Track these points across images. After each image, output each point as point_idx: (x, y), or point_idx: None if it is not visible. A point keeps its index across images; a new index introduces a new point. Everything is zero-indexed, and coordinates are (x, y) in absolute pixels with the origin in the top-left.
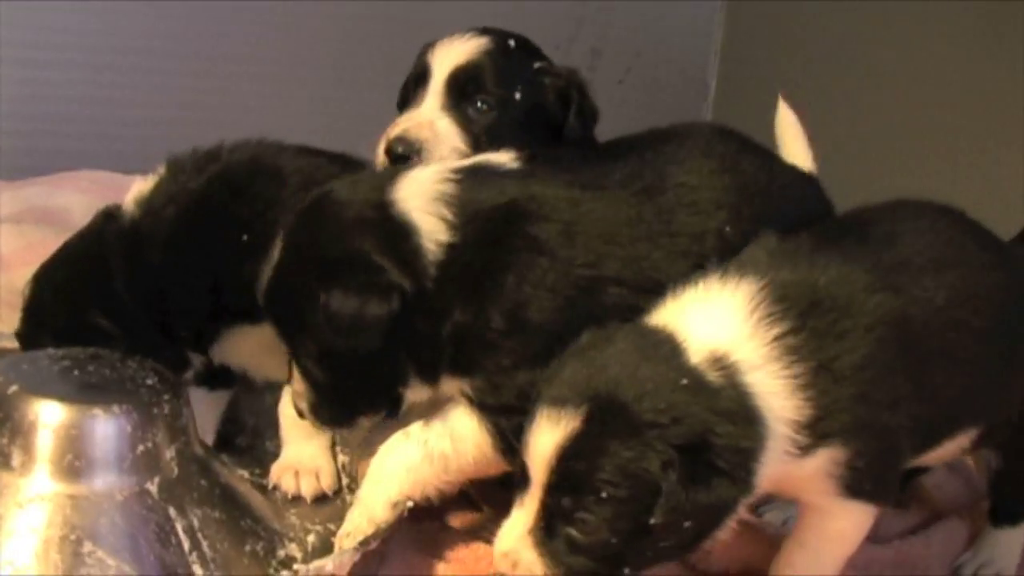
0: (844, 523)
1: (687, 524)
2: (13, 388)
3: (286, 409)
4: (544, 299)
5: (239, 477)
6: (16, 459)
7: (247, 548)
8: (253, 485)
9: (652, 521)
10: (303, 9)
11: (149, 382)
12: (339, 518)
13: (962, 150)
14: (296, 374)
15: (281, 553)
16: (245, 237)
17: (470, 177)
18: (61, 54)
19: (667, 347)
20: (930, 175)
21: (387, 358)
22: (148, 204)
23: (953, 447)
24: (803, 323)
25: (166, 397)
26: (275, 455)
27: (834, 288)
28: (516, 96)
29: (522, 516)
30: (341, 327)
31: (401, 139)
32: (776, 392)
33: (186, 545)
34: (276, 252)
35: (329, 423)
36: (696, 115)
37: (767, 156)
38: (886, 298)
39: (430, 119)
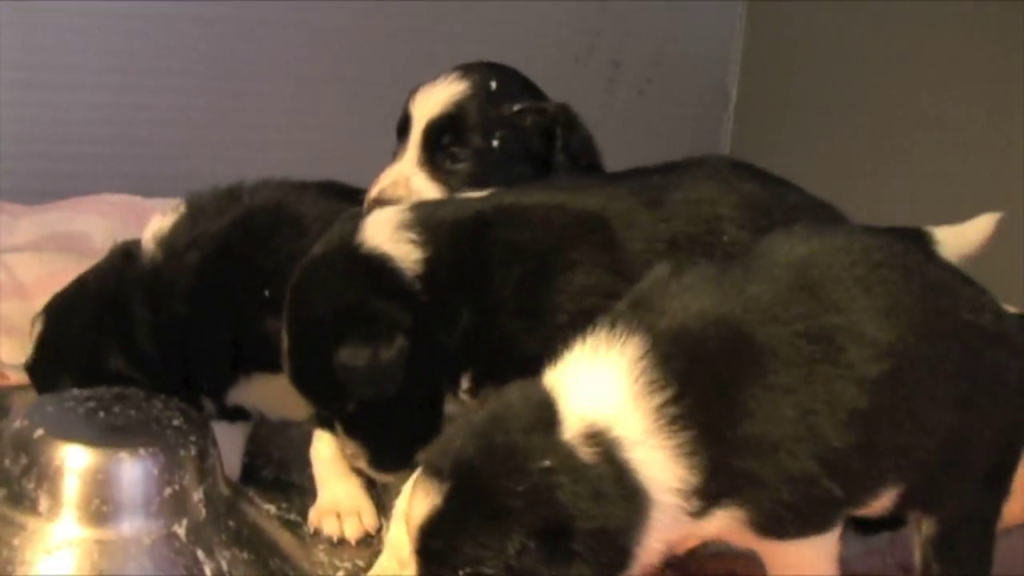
0: (793, 559)
1: None
2: (39, 432)
3: (319, 452)
4: (528, 296)
5: (267, 515)
6: (43, 504)
7: None
8: (280, 521)
9: None
10: (323, 29)
11: (175, 423)
12: (367, 555)
13: (992, 154)
14: (344, 438)
15: None
16: (267, 292)
17: (425, 204)
18: (77, 76)
19: (543, 417)
20: (955, 179)
21: (418, 387)
22: (169, 246)
23: (880, 504)
24: (685, 388)
25: (193, 438)
26: (302, 488)
27: (711, 337)
28: (494, 144)
29: None
30: (362, 380)
31: (378, 200)
32: (659, 463)
33: None
34: (283, 338)
35: (394, 468)
36: (717, 124)
37: (776, 184)
38: (764, 335)
39: (407, 176)
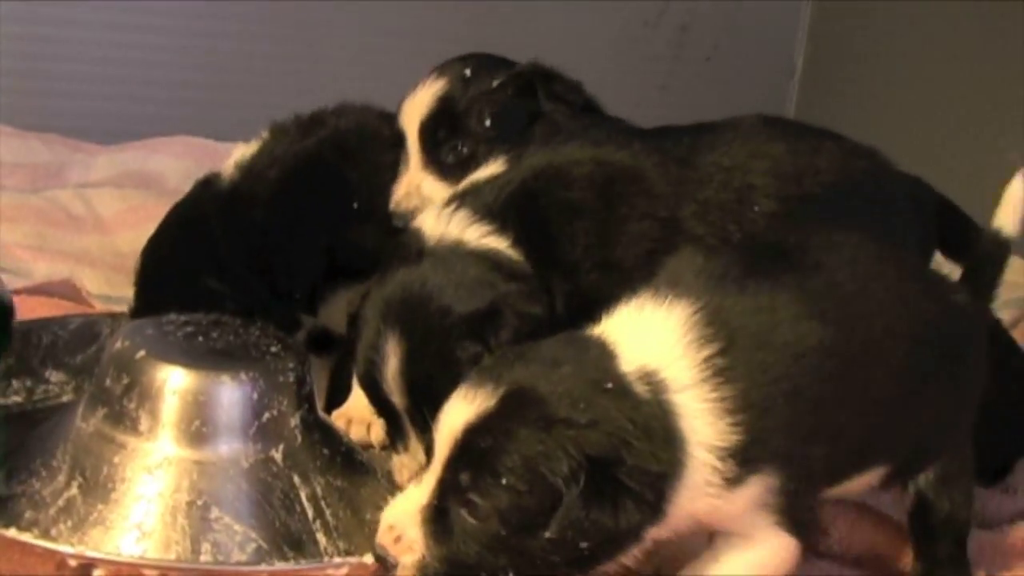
0: (765, 553)
1: (583, 545)
2: (140, 353)
3: None
4: (595, 252)
5: (356, 445)
6: (143, 424)
7: (367, 517)
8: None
9: (547, 534)
10: None
11: (273, 349)
12: None
13: None
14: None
15: None
16: (355, 204)
17: (469, 194)
18: (157, 20)
19: (597, 352)
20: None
21: None
22: (249, 167)
23: (862, 483)
24: (732, 346)
25: (291, 365)
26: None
27: (763, 314)
28: (487, 123)
29: (418, 491)
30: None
31: (395, 215)
32: (702, 414)
33: (310, 513)
34: (394, 343)
35: None
36: (782, 93)
37: (808, 139)
38: (810, 328)
39: (416, 183)
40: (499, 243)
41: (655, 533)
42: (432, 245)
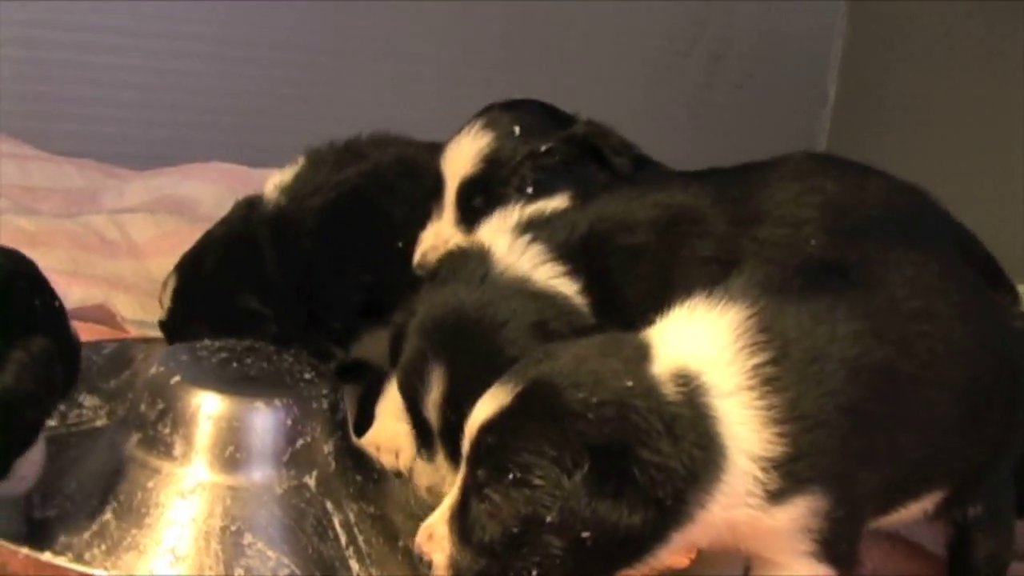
0: None
1: (585, 535)
2: (175, 379)
3: (388, 390)
4: (655, 295)
5: (390, 472)
6: (177, 449)
7: (400, 544)
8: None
9: (548, 518)
10: (427, 9)
11: (307, 376)
12: None
13: None
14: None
15: None
16: (400, 244)
17: (540, 228)
18: (190, 45)
19: (630, 350)
20: None
21: None
22: (292, 192)
23: (916, 510)
24: (785, 356)
25: (324, 391)
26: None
27: (822, 327)
28: (528, 191)
29: (452, 492)
30: None
31: (421, 265)
32: (746, 422)
33: (343, 540)
34: (439, 373)
35: None
36: (814, 123)
37: (856, 176)
38: (871, 345)
39: (446, 239)
40: (568, 287)
41: (688, 537)
42: (498, 272)
